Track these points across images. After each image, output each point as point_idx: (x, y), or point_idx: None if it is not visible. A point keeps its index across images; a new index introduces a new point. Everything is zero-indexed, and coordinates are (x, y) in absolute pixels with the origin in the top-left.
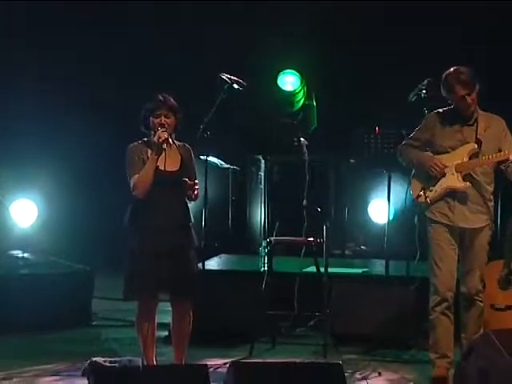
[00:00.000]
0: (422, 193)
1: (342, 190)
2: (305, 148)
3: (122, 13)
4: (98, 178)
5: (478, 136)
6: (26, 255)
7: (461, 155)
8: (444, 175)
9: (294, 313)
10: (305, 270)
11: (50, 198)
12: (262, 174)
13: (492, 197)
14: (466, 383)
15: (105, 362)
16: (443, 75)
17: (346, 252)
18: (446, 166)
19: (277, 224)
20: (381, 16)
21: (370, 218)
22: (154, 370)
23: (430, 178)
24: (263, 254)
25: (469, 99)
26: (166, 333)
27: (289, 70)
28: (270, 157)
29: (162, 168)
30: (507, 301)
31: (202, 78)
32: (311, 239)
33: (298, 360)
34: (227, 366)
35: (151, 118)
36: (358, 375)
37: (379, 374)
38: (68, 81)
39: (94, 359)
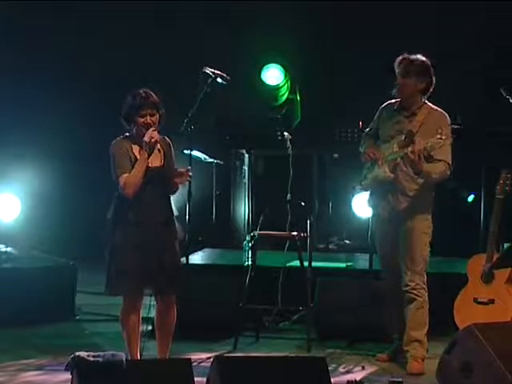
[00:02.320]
0: (362, 180)
1: (326, 184)
2: (288, 142)
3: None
4: (81, 172)
5: (411, 128)
6: (8, 249)
7: (393, 146)
8: (376, 164)
9: (277, 307)
10: (288, 264)
11: (34, 193)
12: (246, 168)
13: (423, 189)
14: (449, 376)
15: (88, 356)
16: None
17: (330, 246)
18: (377, 156)
19: (261, 218)
20: (366, 11)
21: (353, 212)
22: (137, 365)
23: (370, 166)
24: (247, 248)
25: (406, 86)
26: (150, 327)
27: (273, 64)
28: (254, 151)
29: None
30: (490, 294)
31: (186, 71)
32: (295, 233)
33: (281, 354)
34: (211, 360)
35: (136, 117)
36: (341, 369)
37: (363, 367)
38: (50, 75)
39: (78, 354)
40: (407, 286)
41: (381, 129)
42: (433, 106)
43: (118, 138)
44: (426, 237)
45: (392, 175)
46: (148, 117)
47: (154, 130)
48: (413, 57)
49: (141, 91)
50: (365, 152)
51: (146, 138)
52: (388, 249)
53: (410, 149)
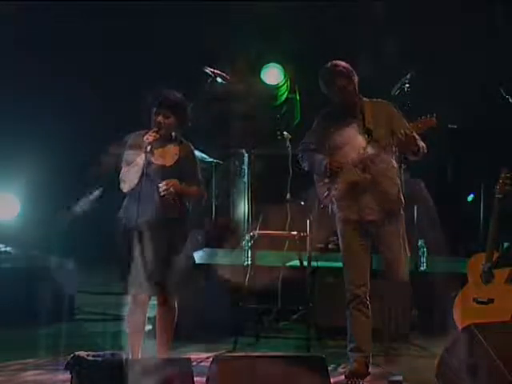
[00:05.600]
0: (326, 194)
1: None
2: (288, 142)
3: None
4: (80, 172)
5: (367, 125)
6: (8, 249)
7: (355, 149)
8: (342, 172)
9: (277, 307)
10: (288, 263)
11: (33, 193)
12: (245, 167)
13: (398, 180)
14: (449, 376)
15: (88, 355)
16: (320, 71)
17: (330, 246)
18: (342, 163)
19: (260, 218)
20: (365, 11)
21: None
22: (137, 364)
23: (331, 177)
24: (246, 247)
25: (349, 88)
26: (150, 327)
27: (272, 64)
28: (253, 150)
29: (152, 160)
30: (489, 294)
31: (186, 71)
32: (295, 233)
33: (281, 354)
34: (210, 359)
35: (153, 115)
36: (341, 369)
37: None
38: (46, 76)
39: (77, 353)
40: (406, 279)
41: (329, 139)
42: (368, 99)
43: (140, 131)
44: (403, 227)
45: (369, 176)
46: (160, 116)
47: (154, 132)
48: (340, 63)
49: (164, 91)
50: (326, 165)
51: (145, 138)
52: (360, 254)
53: (402, 132)
